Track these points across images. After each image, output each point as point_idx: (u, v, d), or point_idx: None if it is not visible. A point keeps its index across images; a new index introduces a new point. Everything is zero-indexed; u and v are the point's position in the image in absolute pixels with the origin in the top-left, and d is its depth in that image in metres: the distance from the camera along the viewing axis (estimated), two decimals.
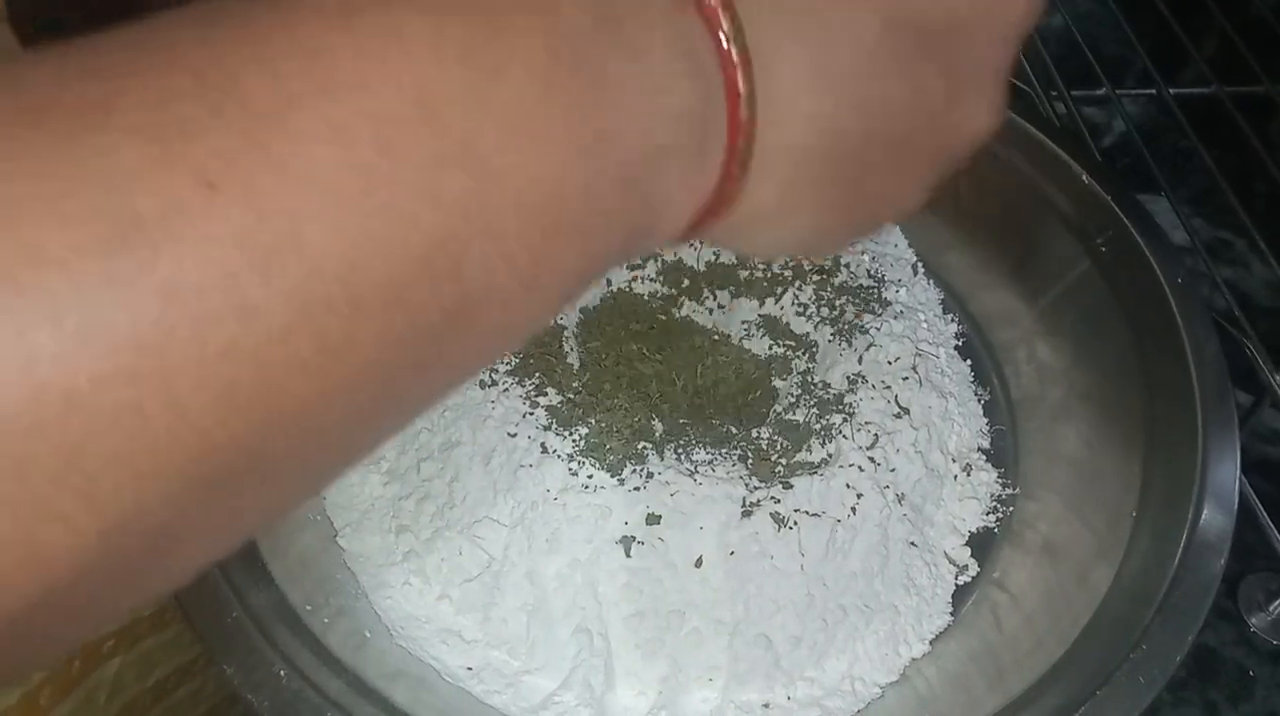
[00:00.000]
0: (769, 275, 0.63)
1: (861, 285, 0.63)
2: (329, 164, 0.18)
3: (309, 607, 0.49)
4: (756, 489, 0.53)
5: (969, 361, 0.64)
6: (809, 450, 0.55)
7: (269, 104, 0.17)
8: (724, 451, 0.55)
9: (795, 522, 0.52)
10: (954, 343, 0.65)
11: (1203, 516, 0.48)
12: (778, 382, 0.59)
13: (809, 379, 0.59)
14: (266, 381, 0.17)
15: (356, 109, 0.18)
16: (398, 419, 0.22)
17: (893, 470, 0.55)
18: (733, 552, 0.51)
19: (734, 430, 0.56)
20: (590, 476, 0.53)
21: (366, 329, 0.18)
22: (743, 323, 0.62)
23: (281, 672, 0.45)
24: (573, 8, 0.21)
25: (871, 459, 0.55)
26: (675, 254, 0.64)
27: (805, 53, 0.25)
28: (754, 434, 0.56)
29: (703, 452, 0.55)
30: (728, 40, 0.23)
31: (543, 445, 0.54)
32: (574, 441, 0.54)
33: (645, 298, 0.62)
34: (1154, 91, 0.75)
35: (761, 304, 0.63)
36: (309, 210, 0.17)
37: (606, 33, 0.22)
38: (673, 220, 0.25)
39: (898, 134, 0.28)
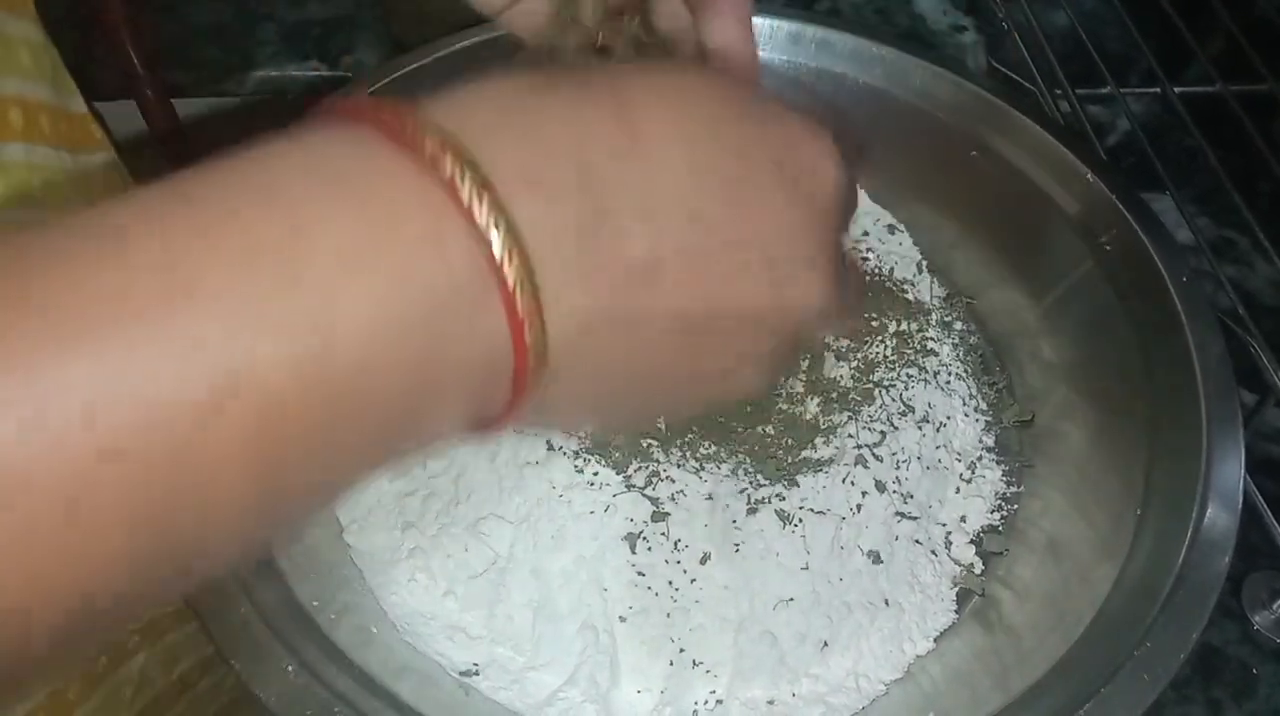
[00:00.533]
0: None
1: (868, 282, 0.63)
2: None
3: (316, 604, 0.49)
4: (762, 486, 0.53)
5: (974, 358, 0.64)
6: (814, 447, 0.55)
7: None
8: (729, 448, 0.55)
9: (800, 520, 0.52)
10: (959, 339, 0.65)
11: (1207, 515, 0.48)
12: (783, 380, 0.59)
13: (814, 376, 0.59)
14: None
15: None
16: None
17: (898, 467, 0.55)
18: (738, 549, 0.51)
19: (739, 427, 0.56)
20: (596, 473, 0.53)
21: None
22: None
23: (289, 668, 0.45)
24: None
25: (877, 456, 0.55)
26: None
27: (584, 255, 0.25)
28: (759, 431, 0.56)
29: (708, 449, 0.55)
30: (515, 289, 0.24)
31: (548, 442, 0.54)
32: (579, 438, 0.54)
33: None
34: (1159, 90, 0.75)
35: None
36: None
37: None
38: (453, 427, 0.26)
39: (704, 321, 0.28)
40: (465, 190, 0.23)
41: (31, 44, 0.43)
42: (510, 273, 0.23)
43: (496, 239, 0.23)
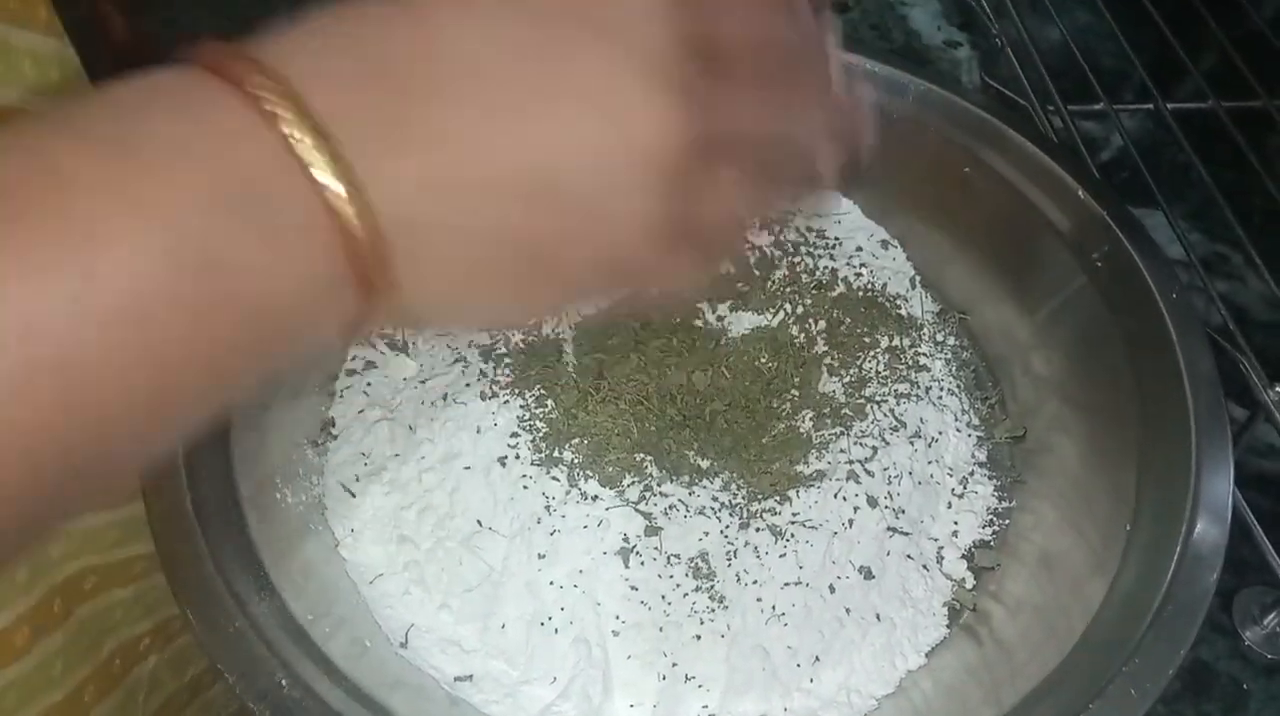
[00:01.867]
0: (769, 289, 0.64)
1: (860, 298, 0.64)
2: None
3: (310, 617, 0.49)
4: (755, 500, 0.53)
5: (967, 374, 0.65)
6: (807, 462, 0.56)
7: None
8: (722, 463, 0.55)
9: (793, 534, 0.52)
10: (952, 355, 0.65)
11: (1196, 530, 0.49)
12: (776, 395, 0.60)
13: (807, 391, 0.60)
14: None
15: None
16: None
17: (889, 483, 0.56)
18: (730, 563, 0.52)
19: (732, 442, 0.57)
20: (589, 488, 0.53)
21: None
22: (742, 335, 0.63)
23: (283, 681, 0.45)
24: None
25: (869, 472, 0.55)
26: None
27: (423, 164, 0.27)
28: (752, 446, 0.56)
29: (701, 464, 0.55)
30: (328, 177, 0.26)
31: (542, 457, 0.54)
32: (573, 453, 0.55)
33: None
34: (1151, 106, 0.76)
35: (760, 316, 0.63)
36: None
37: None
38: (326, 330, 0.28)
39: (537, 177, 0.29)
40: (262, 93, 0.26)
41: (36, 54, 0.44)
42: (306, 153, 0.25)
43: (290, 124, 0.25)
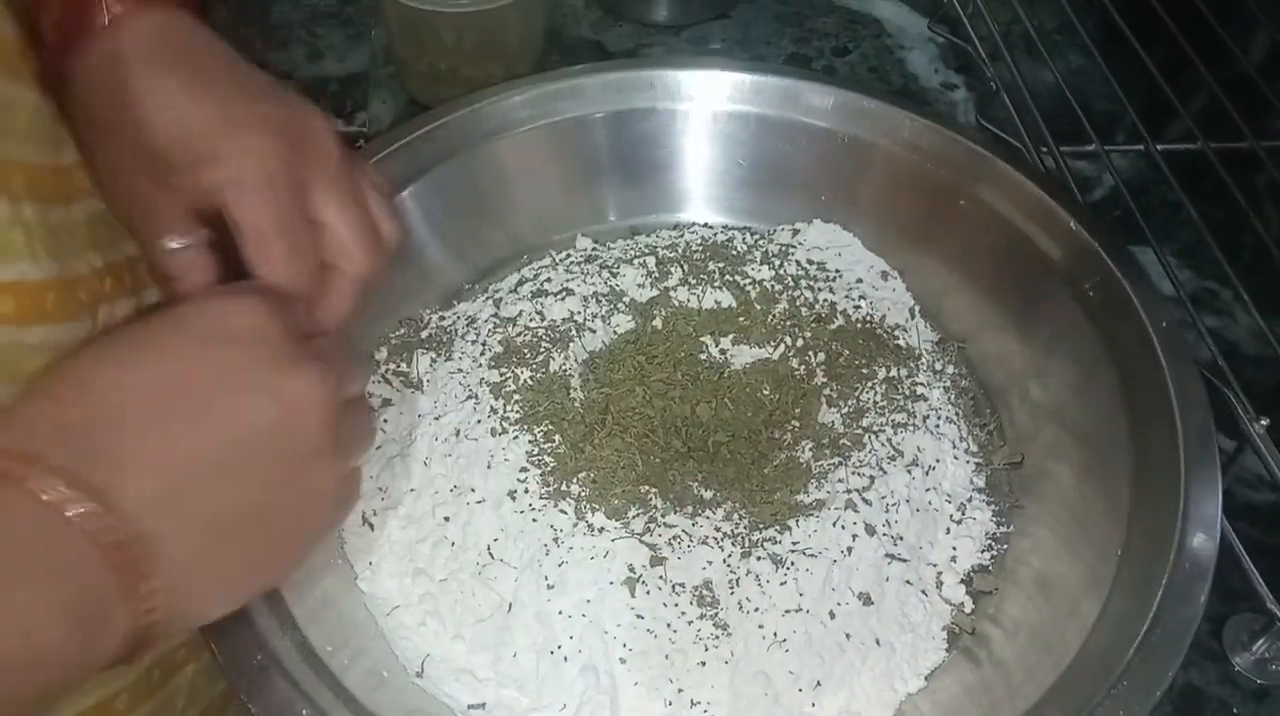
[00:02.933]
0: (769, 322, 0.66)
1: (859, 330, 0.66)
2: None
3: (329, 648, 0.51)
4: (756, 530, 0.55)
5: (965, 401, 0.66)
6: (806, 492, 0.57)
7: None
8: (725, 493, 0.57)
9: (793, 562, 0.54)
10: (950, 383, 0.67)
11: (1185, 556, 0.50)
12: (777, 426, 0.61)
13: (807, 422, 0.61)
14: None
15: None
16: None
17: (887, 511, 0.57)
18: (733, 591, 0.53)
19: (735, 473, 0.58)
20: (596, 520, 0.55)
21: None
22: (744, 367, 0.65)
23: (304, 712, 0.47)
24: None
25: (866, 500, 0.57)
26: (679, 301, 0.67)
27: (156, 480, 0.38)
28: (754, 476, 0.58)
29: (705, 494, 0.57)
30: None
31: (550, 490, 0.56)
32: (580, 486, 0.56)
33: (650, 344, 0.65)
34: (1142, 147, 0.78)
35: (761, 349, 0.65)
36: None
37: None
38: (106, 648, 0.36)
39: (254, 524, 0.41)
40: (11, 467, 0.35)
41: (28, 106, 0.45)
42: (58, 499, 0.35)
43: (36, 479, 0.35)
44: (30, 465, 0.35)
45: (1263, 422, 0.60)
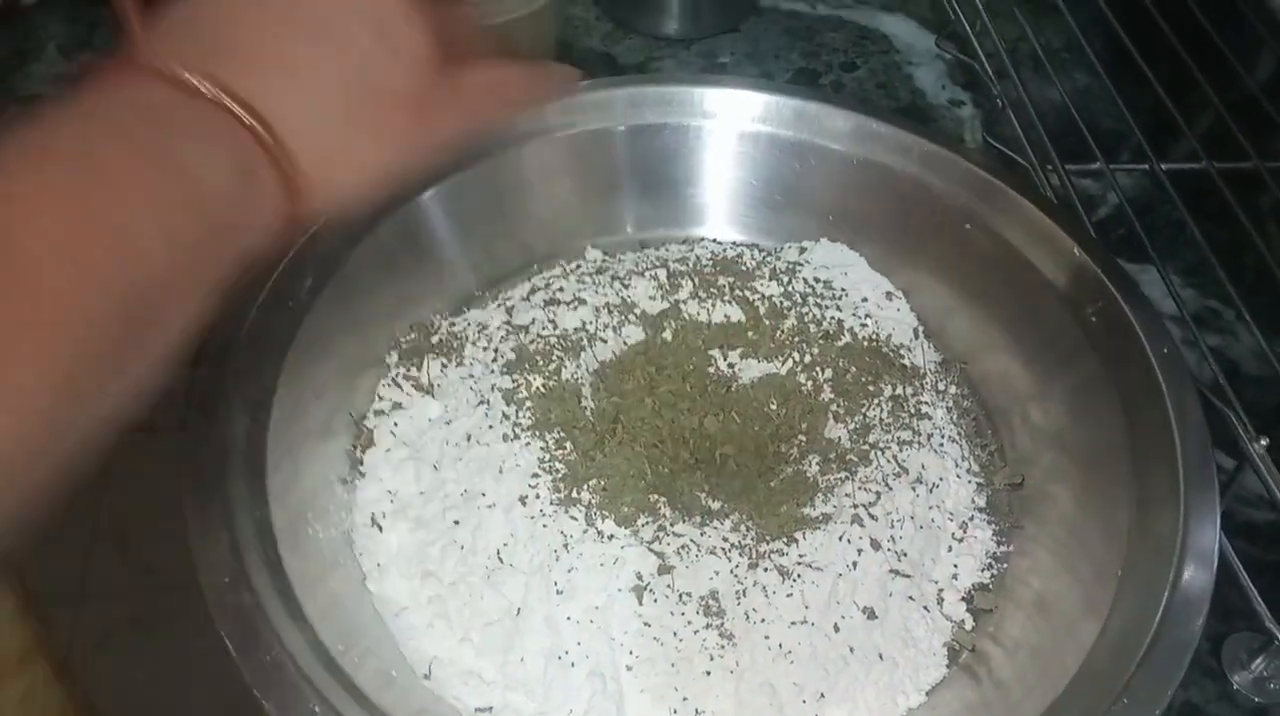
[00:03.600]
0: (778, 338, 0.67)
1: (865, 348, 0.66)
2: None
3: (340, 648, 0.52)
4: (763, 541, 0.56)
5: (967, 422, 0.67)
6: (813, 505, 0.58)
7: None
8: (732, 505, 0.58)
9: (799, 575, 0.55)
10: (953, 404, 0.67)
11: (1184, 576, 0.51)
12: (783, 440, 0.62)
13: (814, 437, 0.62)
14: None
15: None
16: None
17: (892, 526, 0.58)
18: (739, 602, 0.54)
19: (742, 485, 0.59)
20: (605, 527, 0.56)
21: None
22: (752, 382, 0.65)
23: (316, 709, 0.47)
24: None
25: (872, 515, 0.58)
26: (689, 315, 0.67)
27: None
28: (761, 489, 0.59)
29: (712, 505, 0.58)
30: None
31: (561, 497, 0.57)
32: (590, 493, 0.57)
33: (660, 356, 0.65)
34: (1147, 166, 0.78)
35: (769, 364, 0.66)
36: None
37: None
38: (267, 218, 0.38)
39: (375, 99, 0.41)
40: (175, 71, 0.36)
41: None
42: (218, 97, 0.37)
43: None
44: (169, 63, 0.37)
45: (1263, 442, 0.60)
